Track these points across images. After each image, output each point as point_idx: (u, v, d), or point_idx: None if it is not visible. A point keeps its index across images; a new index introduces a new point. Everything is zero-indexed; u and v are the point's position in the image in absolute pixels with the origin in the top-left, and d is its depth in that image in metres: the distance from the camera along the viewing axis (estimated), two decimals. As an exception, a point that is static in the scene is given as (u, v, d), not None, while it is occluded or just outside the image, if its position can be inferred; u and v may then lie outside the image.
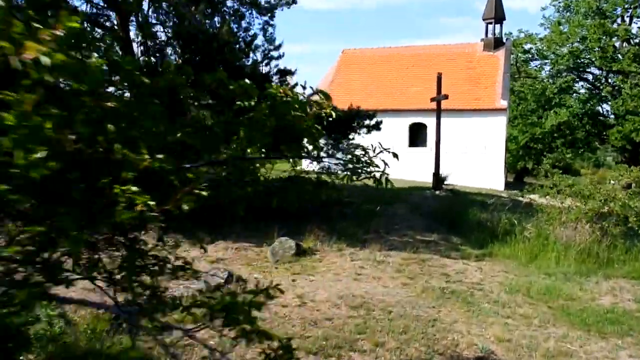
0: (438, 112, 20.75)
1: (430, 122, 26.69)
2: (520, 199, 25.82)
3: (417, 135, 29.11)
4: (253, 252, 10.29)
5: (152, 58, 15.63)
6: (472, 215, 13.98)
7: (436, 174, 20.73)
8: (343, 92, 29.04)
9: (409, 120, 28.86)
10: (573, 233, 10.76)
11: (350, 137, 16.02)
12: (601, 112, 34.15)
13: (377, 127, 15.61)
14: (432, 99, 21.23)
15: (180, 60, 14.76)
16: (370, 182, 3.42)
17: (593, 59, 32.53)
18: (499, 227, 12.33)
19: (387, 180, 3.23)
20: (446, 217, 14.47)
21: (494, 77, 28.64)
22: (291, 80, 16.31)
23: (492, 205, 15.43)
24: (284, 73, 15.79)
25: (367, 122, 15.37)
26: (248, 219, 12.65)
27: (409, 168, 28.56)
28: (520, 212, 14.18)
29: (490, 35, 30.15)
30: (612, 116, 34.29)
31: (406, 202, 17.74)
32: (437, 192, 20.32)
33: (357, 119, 15.16)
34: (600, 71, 34.65)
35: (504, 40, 30.37)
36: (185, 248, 10.43)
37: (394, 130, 28.96)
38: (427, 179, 22.06)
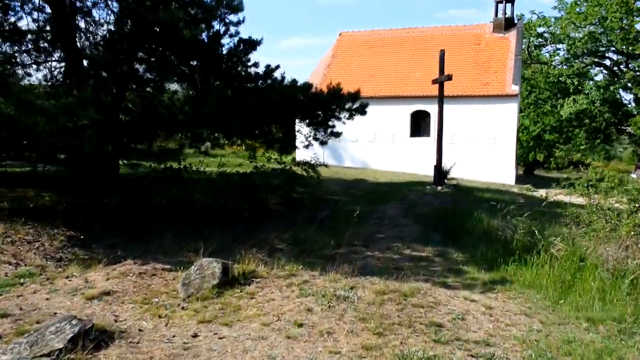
0: (440, 96, 17.26)
1: (433, 109, 23.12)
2: (533, 194, 22.29)
3: (419, 124, 25.60)
4: (161, 281, 6.96)
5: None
6: (479, 221, 10.55)
7: (438, 167, 17.26)
8: (339, 78, 25.41)
9: (411, 108, 25.35)
10: (624, 254, 7.31)
11: (331, 123, 12.63)
12: (621, 100, 30.32)
13: (361, 110, 12.20)
14: (434, 81, 17.73)
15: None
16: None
17: (613, 41, 28.68)
18: (515, 238, 8.88)
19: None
20: (446, 222, 11.05)
21: (504, 61, 25.00)
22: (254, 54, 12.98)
23: (504, 207, 11.98)
24: (249, 45, 12.43)
25: (348, 105, 11.95)
26: (183, 226, 9.38)
27: (411, 160, 25.14)
28: (540, 215, 10.70)
29: (500, 15, 26.46)
30: (633, 104, 30.48)
31: (400, 201, 14.36)
32: (439, 188, 16.86)
33: (337, 100, 11.76)
34: (620, 56, 30.79)
35: (516, 21, 26.65)
36: (73, 271, 7.18)
37: (395, 119, 25.55)
38: (430, 171, 18.65)
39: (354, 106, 12.07)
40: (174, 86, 15.16)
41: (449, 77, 16.71)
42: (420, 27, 28.08)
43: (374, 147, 25.94)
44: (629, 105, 30.61)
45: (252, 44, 12.45)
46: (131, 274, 7.09)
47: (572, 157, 38.50)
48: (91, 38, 12.91)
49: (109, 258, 7.88)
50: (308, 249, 8.93)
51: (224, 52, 13.03)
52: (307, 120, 12.13)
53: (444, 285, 7.26)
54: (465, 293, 6.99)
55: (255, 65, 13.10)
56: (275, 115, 11.29)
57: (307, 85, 11.42)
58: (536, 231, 8.93)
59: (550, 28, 31.77)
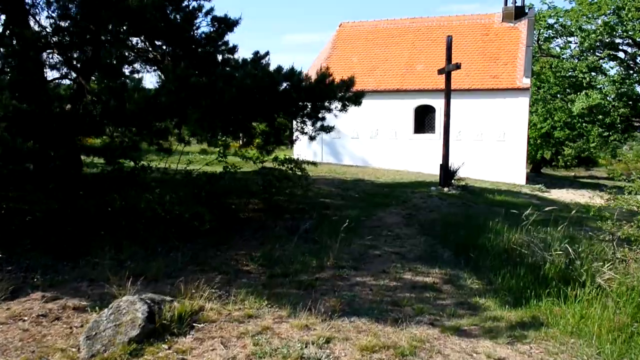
0: (447, 88, 15.12)
1: (439, 104, 21.02)
2: (546, 195, 20.09)
3: (423, 120, 23.40)
4: (64, 329, 4.88)
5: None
6: (497, 234, 8.40)
7: (444, 167, 15.13)
8: (339, 71, 23.28)
9: (415, 103, 23.17)
10: None
11: (321, 116, 10.51)
12: (636, 94, 27.90)
13: (355, 100, 10.07)
14: (440, 71, 15.57)
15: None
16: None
17: (631, 32, 26.29)
18: (547, 261, 6.74)
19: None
20: (456, 235, 8.93)
21: (515, 52, 22.76)
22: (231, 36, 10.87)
23: (523, 214, 9.85)
24: (225, 24, 10.36)
25: (340, 94, 9.81)
26: (130, 241, 7.32)
27: (415, 157, 22.93)
28: (565, 224, 8.53)
29: (510, 4, 24.20)
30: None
31: (403, 205, 12.26)
32: (446, 190, 14.77)
33: (326, 89, 9.64)
34: (635, 49, 28.40)
35: (527, 10, 24.38)
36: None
37: (398, 114, 23.40)
38: (436, 170, 16.52)
39: (347, 95, 9.93)
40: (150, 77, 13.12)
41: (458, 66, 14.55)
42: (425, 17, 25.86)
43: (375, 144, 23.78)
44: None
45: (228, 24, 10.37)
46: (27, 317, 5.03)
47: (582, 154, 36.34)
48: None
49: (16, 287, 5.82)
50: (282, 273, 6.83)
51: (199, 34, 11.03)
52: (293, 112, 10.01)
53: (458, 332, 5.15)
54: (487, 345, 4.89)
55: (233, 49, 11.05)
56: (253, 105, 9.18)
57: (291, 71, 9.30)
58: (572, 251, 6.79)
59: (561, 19, 29.40)
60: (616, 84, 26.86)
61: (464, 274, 7.06)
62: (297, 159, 11.26)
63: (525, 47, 22.62)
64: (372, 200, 13.01)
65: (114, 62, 9.72)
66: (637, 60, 28.98)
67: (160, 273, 6.54)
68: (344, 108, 10.07)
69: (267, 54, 10.46)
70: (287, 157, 10.98)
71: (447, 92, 15.21)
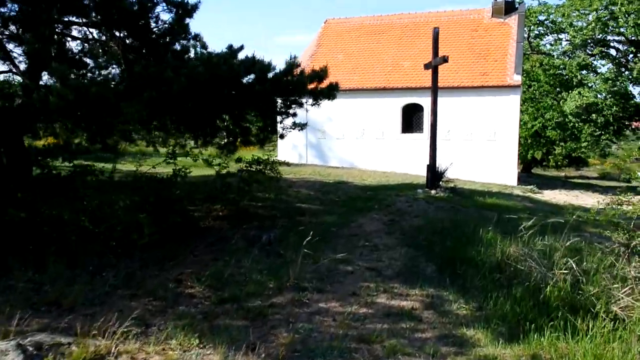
0: (434, 83, 13.91)
1: (427, 103, 19.73)
2: (539, 197, 18.90)
3: (411, 119, 22.18)
4: None
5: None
6: (488, 245, 7.16)
7: (431, 168, 13.90)
8: (324, 69, 22.19)
9: (403, 101, 21.92)
10: None
11: (291, 111, 9.27)
12: (629, 93, 26.77)
13: (329, 93, 8.82)
14: (427, 65, 14.36)
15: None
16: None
17: (623, 29, 25.18)
18: (549, 283, 5.50)
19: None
20: (442, 245, 7.70)
21: (505, 49, 21.58)
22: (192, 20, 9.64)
23: (517, 220, 8.66)
24: (183, 9, 9.11)
25: (312, 86, 8.58)
26: (58, 258, 6.04)
27: (402, 158, 21.65)
28: (564, 231, 7.31)
29: (500, -1, 23.03)
30: (641, 97, 27.01)
31: (385, 210, 11.01)
32: (433, 192, 13.52)
33: (296, 80, 8.39)
34: (629, 45, 27.30)
35: (517, 5, 23.21)
36: None
37: (384, 113, 22.15)
38: (424, 171, 15.25)
39: (319, 88, 8.69)
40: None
41: (445, 60, 13.33)
42: (412, 13, 24.62)
43: (361, 144, 22.52)
44: (638, 99, 27.14)
45: (186, 9, 9.12)
46: None
47: (573, 154, 35.24)
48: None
49: None
50: (231, 297, 5.58)
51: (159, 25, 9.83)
52: (259, 108, 8.75)
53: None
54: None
55: (195, 37, 9.80)
56: (210, 99, 7.93)
57: (253, 60, 8.05)
58: (578, 270, 5.56)
59: (552, 16, 28.26)
60: (608, 82, 25.74)
61: (450, 295, 5.82)
62: (268, 159, 10.01)
63: (516, 43, 21.44)
64: (353, 204, 11.76)
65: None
66: (629, 58, 27.89)
67: (79, 300, 5.27)
68: (316, 102, 8.82)
69: (241, 47, 9.19)
70: (256, 157, 9.71)
71: (434, 88, 13.99)
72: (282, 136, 9.32)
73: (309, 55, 23.73)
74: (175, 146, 8.13)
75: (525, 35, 27.70)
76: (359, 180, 17.35)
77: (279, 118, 9.74)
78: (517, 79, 20.35)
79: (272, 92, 8.23)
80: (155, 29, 9.99)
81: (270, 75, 8.48)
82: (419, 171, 18.63)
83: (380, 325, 4.98)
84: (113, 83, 8.20)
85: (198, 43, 9.49)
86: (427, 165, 14.03)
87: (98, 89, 6.36)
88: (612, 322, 4.51)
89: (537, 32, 29.79)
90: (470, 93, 20.85)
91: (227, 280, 6.05)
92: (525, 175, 29.50)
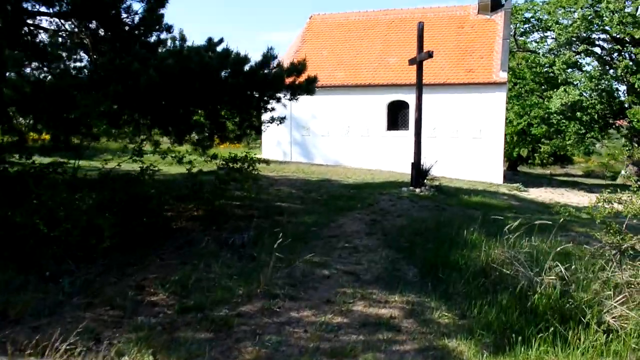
0: (419, 79, 13.55)
1: (412, 99, 19.35)
2: (525, 195, 18.58)
3: (397, 116, 21.82)
4: None
5: None
6: (473, 247, 6.78)
7: (416, 166, 13.54)
8: (310, 65, 21.67)
9: (388, 98, 21.56)
10: None
11: (269, 106, 8.82)
12: (614, 91, 26.66)
13: (307, 87, 8.37)
14: (411, 61, 13.99)
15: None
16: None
17: (607, 27, 25.02)
18: (537, 290, 5.11)
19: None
20: (425, 247, 7.31)
21: (491, 45, 21.29)
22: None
23: (502, 220, 8.31)
24: (155, -2, 8.64)
25: (290, 80, 8.13)
26: (14, 264, 5.56)
27: (388, 156, 21.28)
28: (555, 235, 6.96)
29: (486, -4, 22.70)
30: (626, 95, 26.89)
31: (368, 209, 10.63)
32: (417, 191, 13.16)
33: (272, 74, 7.93)
34: (614, 43, 27.18)
35: (503, 2, 22.90)
36: None
37: (370, 110, 21.78)
38: (410, 168, 14.84)
39: (297, 83, 8.24)
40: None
41: (430, 55, 12.96)
42: (398, 9, 24.26)
43: (347, 142, 22.11)
44: (622, 97, 27.01)
45: (157, -1, 8.63)
46: None
47: (558, 152, 35.14)
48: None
49: None
50: (196, 305, 5.13)
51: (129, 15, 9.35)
52: (235, 102, 8.28)
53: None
54: None
55: (169, 29, 9.31)
56: (182, 93, 7.46)
57: (226, 52, 7.58)
58: (567, 274, 5.18)
59: (538, 13, 28.05)
60: (593, 80, 25.60)
61: (431, 302, 5.41)
62: (246, 156, 9.53)
63: (502, 40, 21.16)
64: (334, 203, 11.33)
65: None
66: (614, 56, 27.78)
67: (27, 310, 4.79)
68: (294, 97, 8.38)
69: (221, 40, 8.70)
70: (233, 154, 9.24)
71: (419, 84, 13.62)
72: (259, 131, 8.87)
73: (294, 52, 23.26)
74: (143, 142, 7.62)
75: (511, 33, 27.44)
76: (343, 178, 16.94)
77: (261, 114, 9.32)
78: (503, 76, 20.07)
79: (247, 86, 7.76)
80: (127, 20, 9.54)
81: (246, 68, 8.04)
82: (404, 169, 18.24)
83: (355, 337, 4.57)
84: (80, 76, 7.75)
85: (177, 36, 9.01)
86: (412, 164, 13.67)
87: (56, 81, 5.86)
88: (605, 334, 4.14)
89: (523, 30, 29.59)
90: (456, 90, 20.54)
91: (193, 286, 5.60)
92: (511, 173, 29.32)
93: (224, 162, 9.09)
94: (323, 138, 22.37)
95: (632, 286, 4.83)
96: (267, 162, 10.13)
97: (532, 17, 28.48)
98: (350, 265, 6.65)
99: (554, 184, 25.59)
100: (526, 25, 29.01)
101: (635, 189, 5.57)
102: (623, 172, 29.80)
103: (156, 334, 4.46)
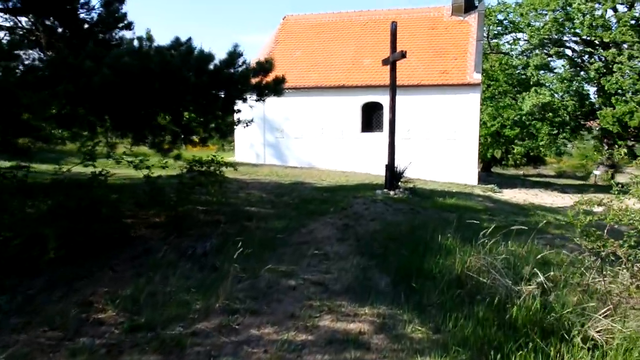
0: (392, 80, 13.23)
1: (387, 101, 19.04)
2: (499, 197, 18.39)
3: (371, 118, 21.52)
4: None
5: None
6: (448, 254, 6.41)
7: (390, 168, 13.19)
8: (282, 67, 21.24)
9: (362, 100, 21.25)
10: None
11: (236, 108, 8.36)
12: (585, 93, 26.79)
13: (274, 88, 7.91)
14: (385, 61, 13.66)
15: None
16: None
17: (578, 30, 25.16)
18: (513, 300, 4.75)
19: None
20: (397, 253, 6.94)
21: (465, 47, 21.15)
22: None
23: (477, 222, 8.01)
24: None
25: (255, 80, 7.68)
26: None
27: (362, 158, 20.94)
28: (532, 239, 6.66)
29: (459, -3, 22.57)
30: (596, 97, 27.10)
31: (341, 213, 10.22)
32: (392, 193, 12.81)
33: (239, 73, 7.47)
34: (584, 46, 27.36)
35: (476, 3, 22.81)
36: None
37: (344, 112, 21.43)
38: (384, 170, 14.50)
39: (264, 83, 7.79)
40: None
41: (403, 55, 12.64)
42: (372, 10, 24.01)
43: (321, 144, 21.72)
44: (593, 98, 27.18)
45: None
46: None
47: (531, 153, 35.31)
48: None
49: None
50: (148, 323, 4.64)
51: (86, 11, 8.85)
52: (199, 103, 7.78)
53: None
54: None
55: (129, 26, 8.79)
56: (141, 93, 6.95)
57: (188, 49, 7.11)
58: (546, 284, 4.84)
59: (511, 15, 28.09)
60: (565, 81, 25.72)
61: (404, 314, 5.01)
62: (212, 159, 9.03)
63: (476, 41, 21.03)
64: (306, 207, 10.90)
65: None
66: (585, 58, 27.97)
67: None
68: (261, 97, 7.92)
69: (189, 40, 8.19)
70: (198, 158, 8.75)
71: (392, 85, 13.30)
72: (225, 134, 8.37)
73: (266, 53, 22.77)
74: (95, 145, 7.07)
75: (485, 35, 27.44)
76: (317, 181, 16.53)
77: (228, 116, 8.85)
78: (477, 77, 19.93)
79: (212, 86, 7.28)
80: (85, 17, 9.01)
81: (211, 67, 7.57)
82: (379, 171, 17.89)
83: (320, 357, 4.15)
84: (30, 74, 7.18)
85: (144, 36, 8.46)
86: (386, 165, 13.32)
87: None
88: (590, 350, 3.79)
89: (496, 32, 29.65)
90: (430, 91, 20.32)
91: (146, 301, 5.10)
92: (485, 174, 29.30)
93: (188, 166, 8.60)
94: (297, 140, 21.93)
95: (614, 295, 4.50)
96: (234, 165, 9.65)
97: (504, 19, 28.54)
98: (319, 274, 6.22)
99: (527, 184, 25.59)
100: (499, 28, 29.06)
101: (616, 192, 5.27)
102: (595, 172, 30.06)
103: (98, 358, 3.97)
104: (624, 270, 4.62)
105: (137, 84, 6.87)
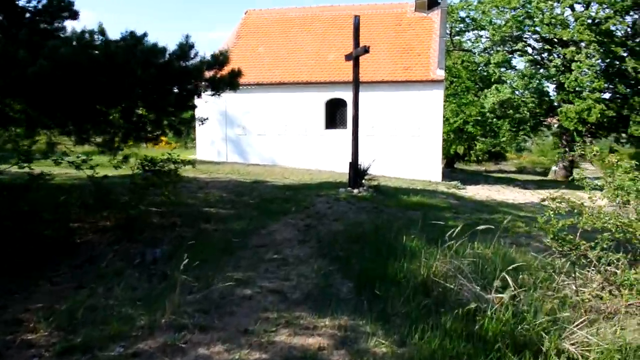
0: (355, 75, 12.90)
1: (351, 97, 18.78)
2: (463, 194, 18.30)
3: (335, 114, 21.17)
4: None
5: None
6: (413, 257, 6.07)
7: (354, 165, 12.86)
8: (243, 63, 20.72)
9: (326, 96, 20.86)
10: None
11: (190, 103, 7.84)
12: (545, 90, 27.12)
13: (230, 81, 7.42)
14: (348, 57, 13.30)
15: None
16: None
17: (538, 28, 25.39)
18: (483, 310, 4.45)
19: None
20: (360, 256, 6.59)
21: (428, 43, 21.00)
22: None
23: (441, 221, 7.80)
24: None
25: (210, 73, 7.18)
26: None
27: (326, 155, 20.57)
28: (499, 238, 6.39)
29: (423, -6, 22.40)
30: (555, 94, 27.47)
31: (303, 213, 9.86)
32: (355, 192, 12.50)
33: (188, 66, 6.96)
34: (543, 43, 27.67)
35: (439, 0, 22.68)
36: None
37: (307, 109, 21.01)
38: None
39: (219, 76, 7.30)
40: None
41: (366, 50, 12.31)
42: (335, 5, 23.62)
43: (284, 141, 21.25)
44: (552, 95, 27.55)
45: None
46: None
47: (492, 149, 35.70)
48: None
49: None
50: (84, 343, 4.14)
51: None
52: (147, 97, 7.24)
53: None
54: None
55: (75, 15, 8.15)
56: (82, 87, 6.38)
57: (134, 40, 6.57)
58: (515, 289, 4.55)
59: (472, 13, 28.21)
60: (525, 78, 25.95)
61: (367, 325, 4.65)
62: (169, 158, 8.49)
63: (439, 38, 20.90)
64: (267, 207, 10.48)
65: None
66: (544, 56, 28.31)
67: None
68: (216, 92, 7.43)
69: (144, 35, 7.60)
70: (149, 157, 8.20)
71: (356, 80, 12.96)
72: (179, 132, 7.85)
73: (227, 48, 22.11)
74: (33, 145, 6.48)
75: (448, 32, 27.44)
76: (279, 179, 16.09)
77: (182, 112, 8.30)
78: (440, 73, 19.79)
79: (162, 79, 6.75)
80: (26, 5, 8.33)
81: (161, 60, 7.04)
82: (344, 168, 17.53)
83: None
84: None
85: (96, 30, 7.83)
86: (349, 163, 12.98)
87: None
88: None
89: (459, 29, 29.70)
90: (394, 88, 20.10)
91: (85, 317, 4.59)
92: (449, 170, 29.38)
93: (140, 165, 8.05)
94: (260, 137, 21.41)
95: (587, 300, 4.24)
96: (192, 163, 9.11)
97: (467, 16, 28.61)
98: (277, 281, 5.81)
99: (490, 181, 25.74)
100: (461, 25, 29.12)
101: (588, 188, 5.03)
102: (554, 168, 30.52)
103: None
104: (597, 275, 4.36)
105: (80, 76, 6.31)
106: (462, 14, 28.53)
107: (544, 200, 5.84)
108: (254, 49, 22.18)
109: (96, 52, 6.39)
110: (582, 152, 6.63)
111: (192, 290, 5.32)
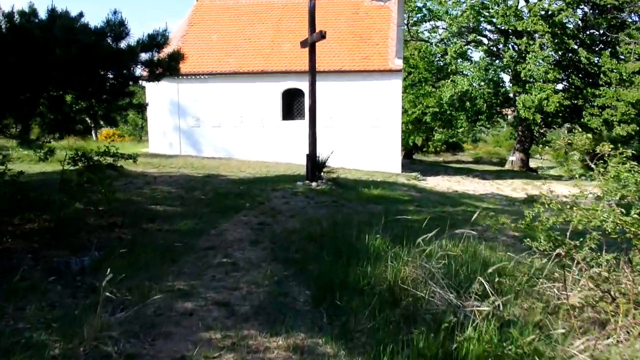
0: (312, 63, 12.20)
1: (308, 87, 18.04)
2: (424, 185, 17.88)
3: (292, 105, 20.37)
4: None
5: None
6: (377, 261, 5.39)
7: (311, 157, 12.17)
8: (196, 51, 19.71)
9: (283, 86, 20.03)
10: None
11: (127, 90, 6.90)
12: (500, 81, 27.07)
13: (168, 65, 6.54)
14: (303, 43, 12.56)
15: None
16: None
17: (493, 19, 25.24)
18: (459, 319, 3.84)
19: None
20: (318, 258, 5.89)
21: (386, 32, 20.45)
22: None
23: (406, 218, 7.22)
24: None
25: (145, 56, 6.29)
26: None
27: (284, 147, 19.77)
28: (471, 239, 5.78)
29: (379, -18, 21.80)
30: (510, 85, 27.46)
31: (257, 209, 9.13)
32: (314, 185, 11.84)
33: (119, 48, 6.06)
34: (499, 35, 27.60)
35: (396, -11, 22.14)
36: None
37: (264, 99, 20.13)
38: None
39: (156, 58, 6.41)
40: None
41: (322, 35, 11.60)
42: (291, -7, 22.74)
43: (239, 132, 20.32)
44: (507, 86, 27.52)
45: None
46: None
47: (450, 140, 35.66)
48: None
49: None
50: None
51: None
52: (69, 81, 6.29)
53: None
54: None
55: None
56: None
57: (51, 17, 5.62)
58: (490, 291, 3.94)
59: (429, 3, 27.85)
60: (481, 70, 25.80)
61: (327, 345, 3.95)
62: (106, 151, 7.54)
63: (397, 27, 20.38)
64: (220, 203, 9.66)
65: None
66: (500, 47, 28.26)
67: None
68: (154, 77, 6.54)
69: (81, 14, 6.58)
70: (80, 151, 7.24)
71: (312, 69, 12.25)
72: (113, 121, 6.93)
73: (180, 36, 20.99)
74: None
75: (405, 21, 27.00)
76: (234, 173, 15.23)
77: (117, 100, 7.34)
78: (399, 63, 19.29)
79: (87, 61, 5.82)
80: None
81: (88, 41, 6.09)
82: (302, 161, 16.79)
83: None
84: None
85: (28, 10, 6.74)
86: (307, 155, 12.27)
87: None
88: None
89: (416, 19, 29.32)
90: (352, 77, 19.47)
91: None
92: (408, 161, 29.09)
93: (71, 160, 7.09)
94: (215, 129, 20.40)
95: (577, 308, 3.68)
96: (133, 157, 8.16)
97: (423, 6, 28.22)
98: (224, 291, 5.04)
99: (449, 171, 25.54)
100: (418, 15, 28.72)
101: (578, 176, 4.47)
102: (510, 158, 30.66)
103: None
104: (587, 280, 3.80)
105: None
106: (419, 3, 28.15)
107: (532, 197, 5.30)
108: (208, 37, 21.09)
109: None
110: (548, 141, 6.10)
111: (123, 306, 4.49)
